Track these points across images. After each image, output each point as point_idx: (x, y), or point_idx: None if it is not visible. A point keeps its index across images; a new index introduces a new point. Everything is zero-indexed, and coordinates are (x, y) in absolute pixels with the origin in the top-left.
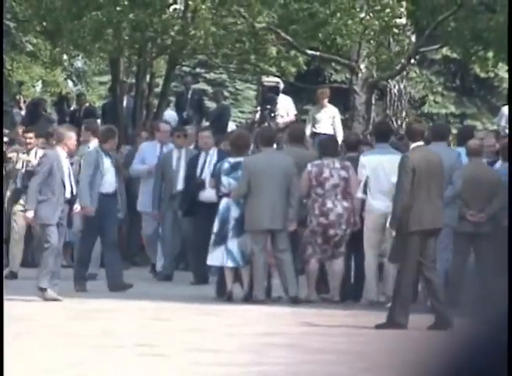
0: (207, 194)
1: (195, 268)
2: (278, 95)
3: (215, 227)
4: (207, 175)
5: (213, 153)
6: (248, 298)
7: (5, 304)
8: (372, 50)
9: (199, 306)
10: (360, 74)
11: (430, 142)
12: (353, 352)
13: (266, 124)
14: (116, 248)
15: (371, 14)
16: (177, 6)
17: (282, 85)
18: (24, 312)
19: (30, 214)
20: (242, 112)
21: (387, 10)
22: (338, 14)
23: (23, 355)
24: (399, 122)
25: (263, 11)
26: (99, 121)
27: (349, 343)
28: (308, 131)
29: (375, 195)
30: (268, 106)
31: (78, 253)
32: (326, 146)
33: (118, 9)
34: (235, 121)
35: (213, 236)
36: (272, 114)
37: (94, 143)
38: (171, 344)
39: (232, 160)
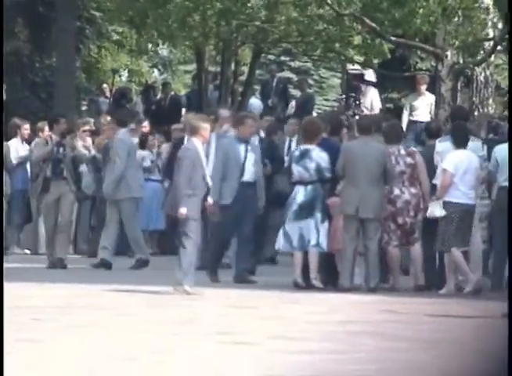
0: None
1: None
2: (363, 83)
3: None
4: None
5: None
6: (314, 284)
7: (87, 293)
8: (452, 32)
9: (282, 294)
10: (446, 61)
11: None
12: (432, 339)
13: (351, 112)
14: (250, 241)
15: None
16: None
17: (374, 79)
18: (106, 300)
19: (183, 210)
20: (326, 100)
21: None
22: None
23: (102, 342)
24: (485, 109)
25: None
26: (183, 109)
27: (429, 331)
28: (405, 119)
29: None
30: (353, 94)
31: (214, 244)
32: (390, 133)
33: None
34: (319, 109)
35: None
36: (357, 102)
37: (122, 133)
38: (253, 332)
39: (302, 147)
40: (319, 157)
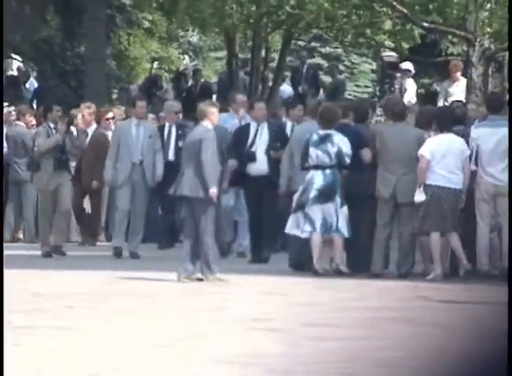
0: (258, 167)
1: (252, 246)
2: (396, 70)
3: (296, 197)
4: (258, 147)
5: (264, 126)
6: (339, 271)
7: (119, 280)
8: (485, 19)
9: (312, 280)
10: (477, 46)
11: None
12: (465, 326)
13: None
14: None
15: None
16: None
17: (412, 70)
18: (141, 288)
19: (214, 190)
20: (357, 86)
21: None
22: None
23: (136, 329)
24: None
25: None
26: (214, 96)
27: (459, 317)
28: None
29: (486, 167)
30: (387, 80)
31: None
32: (420, 118)
33: None
34: (350, 94)
35: (293, 206)
36: (392, 89)
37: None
38: (286, 318)
39: (321, 132)
40: (342, 141)
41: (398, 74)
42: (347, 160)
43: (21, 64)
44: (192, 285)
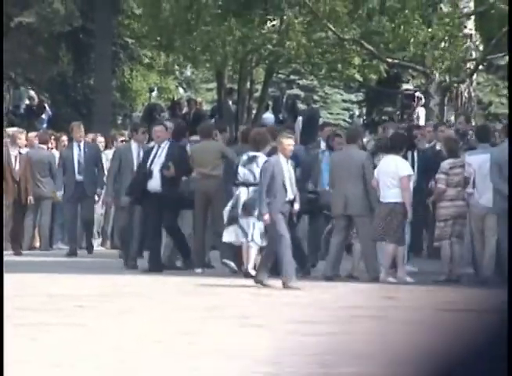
0: (153, 184)
1: (150, 255)
2: (413, 101)
3: (227, 210)
4: (155, 166)
5: (164, 146)
6: (247, 275)
7: (124, 283)
8: (437, 57)
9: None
10: (434, 79)
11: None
12: (431, 323)
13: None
14: None
15: (437, 26)
16: (274, 23)
17: (423, 100)
18: (137, 288)
19: (267, 217)
20: (330, 113)
21: (452, 23)
22: (402, 27)
23: (135, 327)
24: (470, 122)
25: (349, 25)
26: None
27: (428, 315)
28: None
29: (482, 191)
30: (407, 111)
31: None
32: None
33: (226, 24)
34: (324, 121)
35: (226, 218)
36: (410, 118)
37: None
38: (268, 316)
39: (250, 153)
40: None
41: (414, 104)
42: None
43: (32, 93)
44: (186, 286)
